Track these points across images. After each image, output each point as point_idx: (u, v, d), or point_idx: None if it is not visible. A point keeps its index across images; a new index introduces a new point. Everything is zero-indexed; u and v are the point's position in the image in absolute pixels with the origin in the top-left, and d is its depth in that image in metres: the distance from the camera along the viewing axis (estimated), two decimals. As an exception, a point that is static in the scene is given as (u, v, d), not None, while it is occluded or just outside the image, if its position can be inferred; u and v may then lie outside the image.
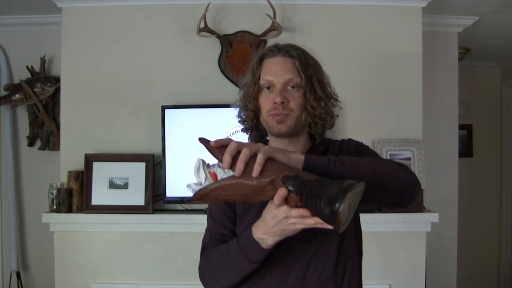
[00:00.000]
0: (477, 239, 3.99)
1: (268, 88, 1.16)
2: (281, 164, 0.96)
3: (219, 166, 0.97)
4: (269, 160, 0.97)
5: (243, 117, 1.24)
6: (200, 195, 0.94)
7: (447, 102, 2.98)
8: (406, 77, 2.48)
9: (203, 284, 1.17)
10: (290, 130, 1.15)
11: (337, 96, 1.22)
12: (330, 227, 0.87)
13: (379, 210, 2.31)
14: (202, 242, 1.20)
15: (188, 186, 0.98)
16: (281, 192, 0.90)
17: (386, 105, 2.47)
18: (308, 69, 1.15)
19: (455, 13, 2.76)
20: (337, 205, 0.81)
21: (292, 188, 0.90)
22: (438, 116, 2.93)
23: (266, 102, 1.16)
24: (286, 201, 0.92)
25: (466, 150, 3.99)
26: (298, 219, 0.92)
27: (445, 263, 2.96)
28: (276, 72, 1.15)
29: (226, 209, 1.18)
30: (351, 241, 1.17)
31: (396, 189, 1.05)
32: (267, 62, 1.18)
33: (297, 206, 0.91)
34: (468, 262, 3.68)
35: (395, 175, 1.05)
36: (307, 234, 1.07)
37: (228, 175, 0.95)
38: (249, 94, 1.18)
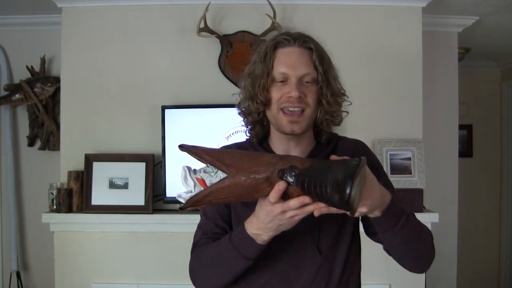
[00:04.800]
0: (477, 239, 3.99)
1: (281, 81, 1.06)
2: (272, 157, 0.93)
3: (205, 171, 0.94)
4: (258, 155, 0.94)
5: (248, 109, 1.11)
6: (193, 202, 0.92)
7: (447, 102, 2.98)
8: (406, 77, 2.48)
9: (194, 283, 1.12)
10: (304, 129, 1.07)
11: (345, 91, 1.15)
12: (335, 211, 0.85)
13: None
14: (193, 239, 1.15)
15: (179, 196, 0.95)
16: (280, 186, 0.87)
17: (386, 105, 2.47)
18: (324, 63, 1.08)
19: (455, 13, 2.76)
20: (347, 191, 0.77)
21: (291, 180, 0.86)
22: (438, 116, 2.93)
23: (279, 94, 1.06)
24: (285, 194, 0.88)
25: (466, 150, 3.99)
26: (298, 210, 0.88)
27: (445, 263, 2.96)
28: (292, 64, 1.05)
29: (221, 207, 1.12)
30: (355, 256, 1.14)
31: (427, 259, 1.10)
32: (281, 51, 1.07)
33: None
34: (468, 262, 3.67)
35: (431, 247, 1.09)
36: (312, 249, 1.07)
37: (217, 178, 0.92)
38: (260, 84, 1.06)
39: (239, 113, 1.16)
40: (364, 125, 2.44)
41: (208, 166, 0.95)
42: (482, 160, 4.07)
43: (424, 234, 1.07)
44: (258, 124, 1.13)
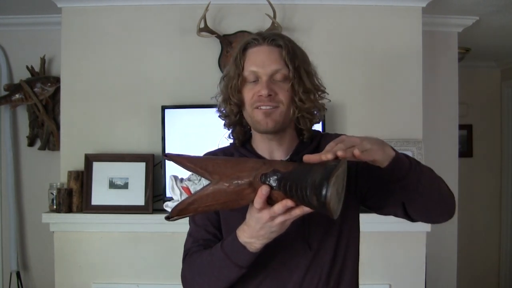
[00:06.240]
0: (477, 239, 3.99)
1: (254, 81, 1.07)
2: (256, 162, 0.91)
3: (189, 179, 0.94)
4: (241, 161, 0.93)
5: (225, 111, 1.13)
6: (178, 210, 0.91)
7: (447, 102, 2.98)
8: (406, 77, 2.48)
9: None
10: (277, 125, 1.06)
11: (325, 88, 1.13)
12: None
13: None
14: (184, 247, 1.14)
15: (165, 205, 0.94)
16: (262, 191, 0.86)
17: (386, 105, 2.47)
18: (296, 60, 1.06)
19: (455, 13, 2.76)
20: (323, 193, 0.76)
21: (274, 185, 0.85)
22: (438, 116, 2.93)
23: (251, 94, 1.06)
24: (270, 199, 0.87)
25: (466, 150, 3.99)
26: (285, 215, 0.87)
27: (445, 263, 2.96)
28: (261, 62, 1.06)
29: (210, 214, 1.12)
30: (348, 248, 1.11)
31: (445, 206, 1.08)
32: (251, 51, 1.09)
33: None
34: (468, 262, 3.68)
35: (448, 193, 1.06)
36: (302, 246, 1.06)
37: (201, 186, 0.92)
38: (232, 86, 1.08)
39: (219, 116, 1.17)
40: (364, 125, 2.44)
41: (192, 174, 0.94)
42: (482, 160, 4.07)
43: (435, 174, 1.05)
44: (238, 125, 1.14)
